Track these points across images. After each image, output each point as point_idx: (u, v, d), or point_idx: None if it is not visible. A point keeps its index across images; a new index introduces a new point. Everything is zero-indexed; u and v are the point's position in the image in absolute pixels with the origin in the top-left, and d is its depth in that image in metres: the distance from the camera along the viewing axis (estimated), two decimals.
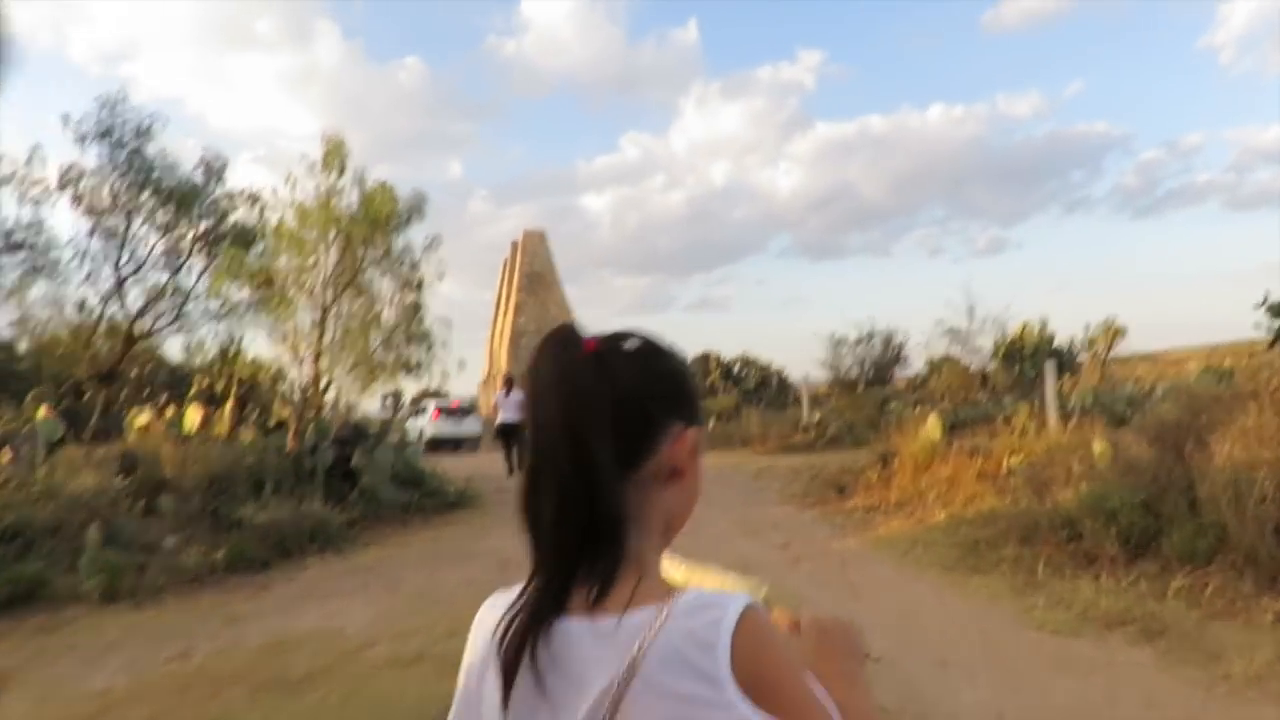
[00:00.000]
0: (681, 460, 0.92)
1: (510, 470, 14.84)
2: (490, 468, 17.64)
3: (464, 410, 30.15)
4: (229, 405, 9.90)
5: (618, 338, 0.89)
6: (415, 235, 10.96)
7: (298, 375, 10.49)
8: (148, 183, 12.03)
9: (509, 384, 15.84)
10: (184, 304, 12.85)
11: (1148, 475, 6.02)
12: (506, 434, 15.20)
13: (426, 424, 27.93)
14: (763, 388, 41.17)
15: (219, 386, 10.72)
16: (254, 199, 12.46)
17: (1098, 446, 8.43)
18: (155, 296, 12.47)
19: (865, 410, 21.29)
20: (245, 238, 11.99)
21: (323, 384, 10.56)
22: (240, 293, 11.26)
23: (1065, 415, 12.31)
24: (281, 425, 10.87)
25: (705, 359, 46.27)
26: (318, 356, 10.16)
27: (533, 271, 57.59)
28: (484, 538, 8.65)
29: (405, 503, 10.21)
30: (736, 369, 45.02)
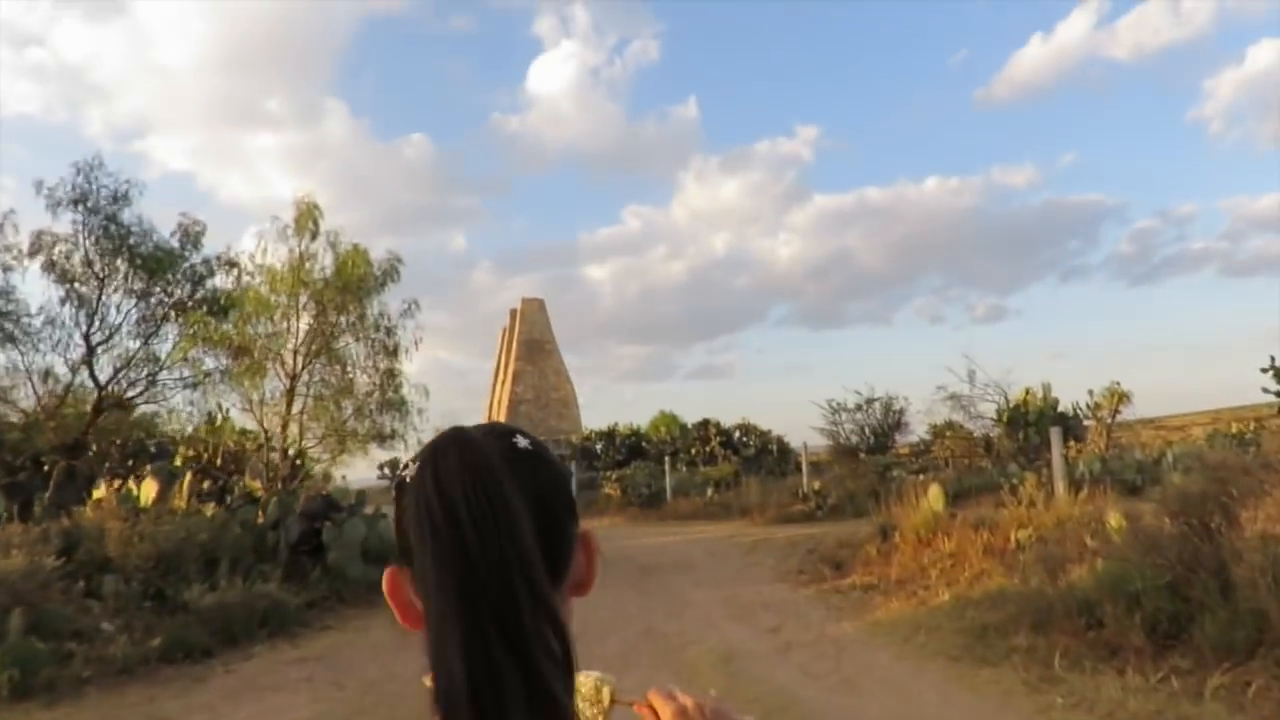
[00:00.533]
0: (587, 570, 0.83)
1: None
2: None
3: None
4: (188, 477, 9.36)
5: (506, 434, 0.74)
6: (393, 300, 10.65)
7: (269, 446, 9.95)
8: (122, 249, 11.70)
9: None
10: (157, 372, 12.40)
11: (1172, 553, 5.43)
12: None
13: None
14: (763, 455, 40.48)
15: (204, 456, 10.19)
16: (231, 264, 12.09)
17: (1113, 519, 7.86)
18: (125, 364, 12.01)
19: (866, 479, 20.65)
20: (219, 303, 11.59)
21: (293, 454, 10.03)
22: (213, 360, 10.83)
23: (1074, 484, 11.73)
24: (252, 499, 10.30)
25: (705, 425, 45.70)
26: (285, 426, 9.65)
27: (531, 339, 57.39)
28: None
29: (374, 580, 9.57)
30: (736, 436, 44.45)
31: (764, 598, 8.17)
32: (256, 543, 9.17)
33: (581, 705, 0.74)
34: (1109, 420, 27.08)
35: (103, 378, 12.16)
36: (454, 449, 0.70)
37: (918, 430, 25.75)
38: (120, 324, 12.41)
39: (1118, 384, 27.35)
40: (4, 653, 5.94)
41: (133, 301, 12.40)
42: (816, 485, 20.83)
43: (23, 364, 11.94)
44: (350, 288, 9.96)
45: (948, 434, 30.77)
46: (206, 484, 9.96)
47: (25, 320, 11.98)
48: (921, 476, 24.02)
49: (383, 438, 10.67)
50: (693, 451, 43.22)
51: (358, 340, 10.34)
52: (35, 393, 12.13)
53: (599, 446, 46.77)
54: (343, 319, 10.08)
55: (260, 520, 9.82)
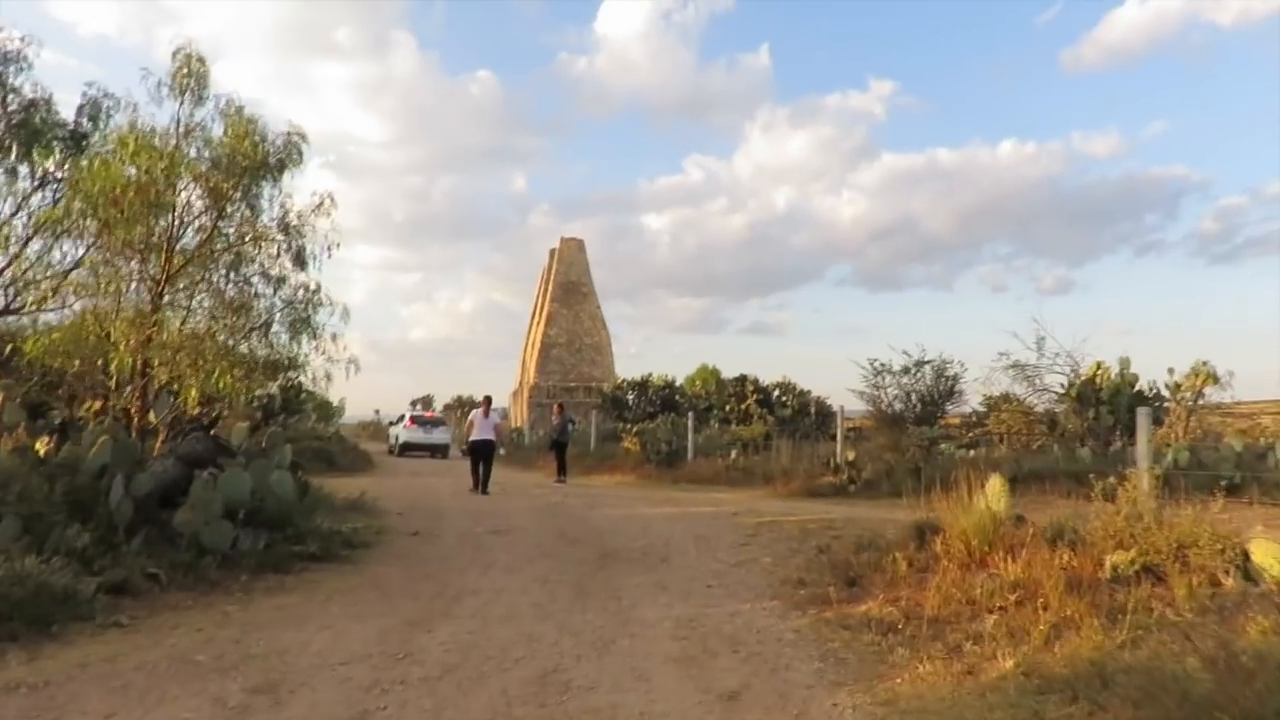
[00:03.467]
0: None
1: (475, 485, 15.62)
2: (443, 496, 14.91)
3: (435, 422, 34.87)
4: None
5: None
6: (300, 192, 8.31)
7: (120, 366, 7.69)
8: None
9: (487, 405, 17.02)
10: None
11: None
12: (476, 452, 16.04)
13: (401, 431, 33.58)
14: (800, 417, 37.76)
15: (41, 378, 8.01)
16: (80, 138, 9.62)
17: (1263, 552, 5.26)
18: None
19: (908, 452, 17.93)
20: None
21: (155, 380, 7.78)
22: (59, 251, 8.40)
23: (1160, 477, 9.07)
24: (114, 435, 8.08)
25: (742, 381, 43.01)
26: (148, 342, 7.40)
27: (568, 281, 55.10)
28: (299, 625, 5.72)
29: (243, 554, 7.33)
30: (774, 395, 41.69)
31: (737, 627, 5.69)
32: (75, 495, 6.95)
33: None
34: (1191, 403, 23.67)
35: None
36: None
37: (971, 402, 22.82)
38: None
39: (1204, 363, 23.77)
40: None
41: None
42: (851, 456, 18.17)
43: None
44: (237, 169, 7.60)
45: (1003, 407, 27.85)
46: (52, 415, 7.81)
47: None
48: (971, 453, 21.20)
49: (278, 367, 8.33)
50: (727, 408, 40.72)
51: (250, 242, 7.98)
52: None
53: (630, 397, 44.56)
54: (232, 210, 7.73)
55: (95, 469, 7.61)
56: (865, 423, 25.26)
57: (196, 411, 9.90)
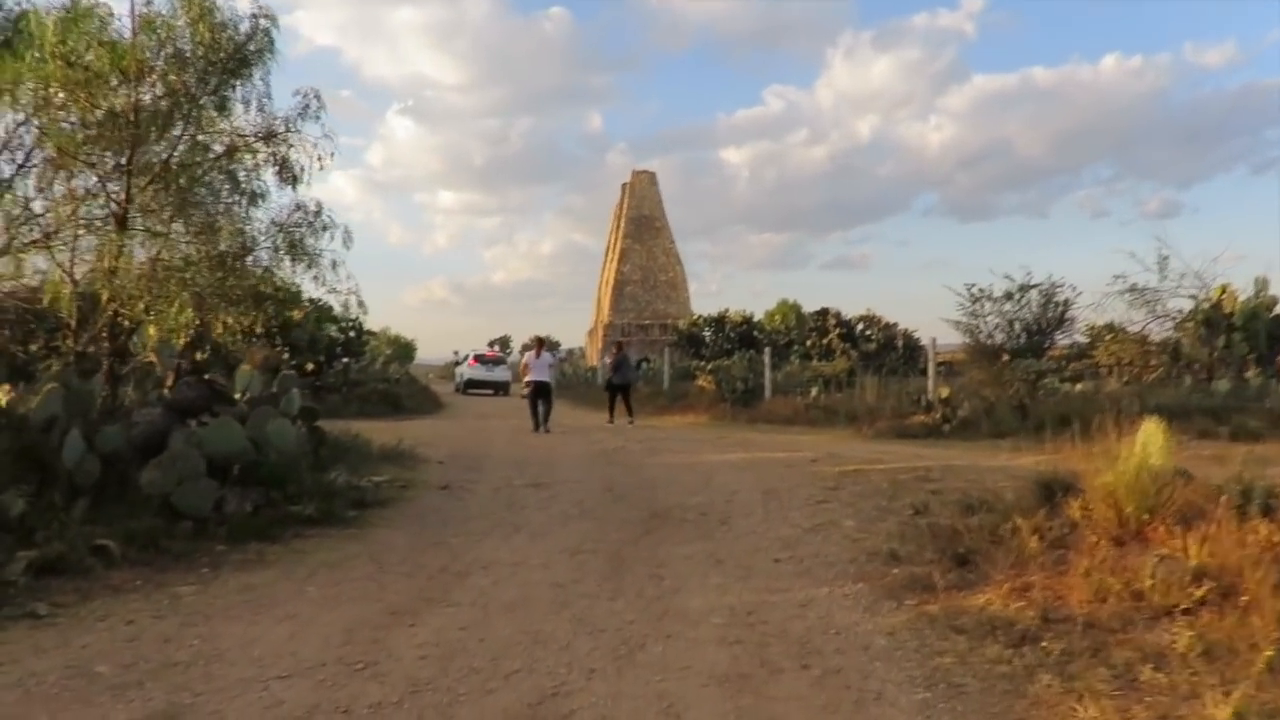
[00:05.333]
0: None
1: (536, 427, 15.43)
2: (496, 440, 13.91)
3: (496, 360, 37.17)
4: None
5: None
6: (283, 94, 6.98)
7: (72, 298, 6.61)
8: None
9: (539, 346, 16.82)
10: None
11: None
12: (536, 394, 15.89)
13: (465, 369, 36.47)
14: (886, 351, 35.64)
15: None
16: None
17: None
18: None
19: (1011, 387, 16.04)
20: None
21: (115, 316, 6.69)
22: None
23: None
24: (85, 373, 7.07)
25: (823, 315, 40.93)
26: (112, 273, 6.31)
27: (640, 215, 53.35)
28: (257, 614, 4.58)
29: (229, 516, 6.26)
30: (858, 328, 39.55)
31: (809, 625, 4.29)
32: (34, 454, 5.94)
33: None
34: None
35: None
36: None
37: (1076, 330, 20.56)
38: None
39: None
40: None
41: None
42: (945, 392, 16.37)
43: None
44: (199, 63, 6.30)
45: (1109, 336, 25.41)
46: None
47: None
48: (1079, 387, 19.11)
49: (263, 297, 7.07)
50: (808, 344, 38.83)
51: (224, 154, 6.72)
52: None
53: (707, 333, 43.00)
54: (194, 113, 6.47)
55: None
56: (958, 357, 23.25)
57: (205, 356, 8.90)
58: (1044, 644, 3.69)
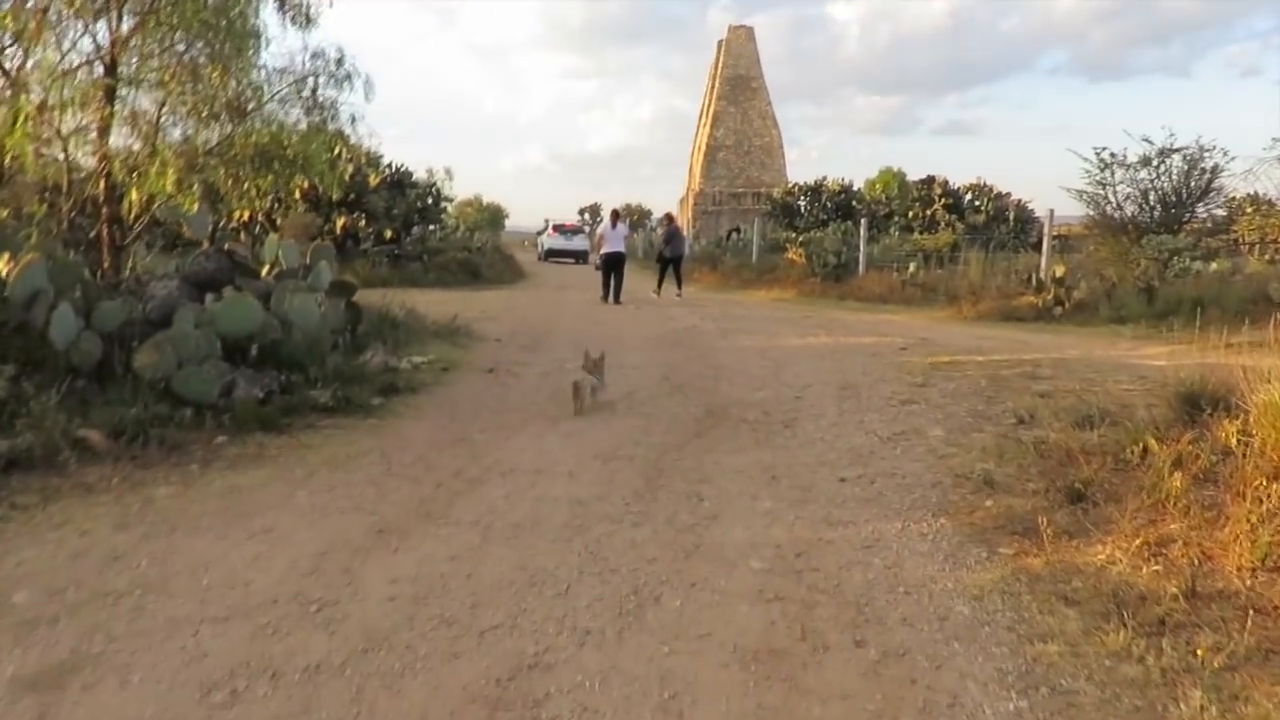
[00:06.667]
0: None
1: (606, 297, 15.70)
2: (565, 315, 13.25)
3: (575, 230, 39.57)
4: None
5: None
6: None
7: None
8: None
9: (615, 217, 17.07)
10: None
11: None
12: (609, 265, 15.94)
13: (545, 239, 39.37)
14: (995, 223, 33.14)
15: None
16: None
17: None
18: None
19: (1138, 266, 14.27)
20: None
21: (116, 182, 6.01)
22: None
23: None
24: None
25: (929, 184, 38.21)
26: (104, 131, 5.59)
27: (736, 75, 50.32)
28: (230, 527, 3.98)
29: (239, 403, 5.70)
30: (966, 199, 36.82)
31: (871, 578, 3.40)
32: (22, 334, 5.43)
33: None
34: None
35: None
36: None
37: (1216, 204, 18.18)
38: None
39: None
40: None
41: None
42: (1059, 270, 14.74)
43: None
44: None
45: (1251, 209, 22.74)
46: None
47: None
48: (1213, 266, 17.01)
49: (280, 161, 6.26)
50: (910, 215, 36.47)
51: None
52: None
53: (802, 203, 40.86)
54: None
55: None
56: (1077, 230, 21.15)
57: (241, 222, 8.28)
58: (1190, 636, 2.71)
